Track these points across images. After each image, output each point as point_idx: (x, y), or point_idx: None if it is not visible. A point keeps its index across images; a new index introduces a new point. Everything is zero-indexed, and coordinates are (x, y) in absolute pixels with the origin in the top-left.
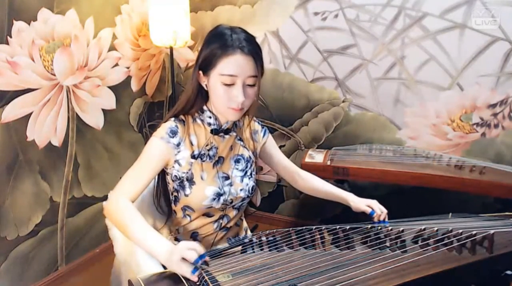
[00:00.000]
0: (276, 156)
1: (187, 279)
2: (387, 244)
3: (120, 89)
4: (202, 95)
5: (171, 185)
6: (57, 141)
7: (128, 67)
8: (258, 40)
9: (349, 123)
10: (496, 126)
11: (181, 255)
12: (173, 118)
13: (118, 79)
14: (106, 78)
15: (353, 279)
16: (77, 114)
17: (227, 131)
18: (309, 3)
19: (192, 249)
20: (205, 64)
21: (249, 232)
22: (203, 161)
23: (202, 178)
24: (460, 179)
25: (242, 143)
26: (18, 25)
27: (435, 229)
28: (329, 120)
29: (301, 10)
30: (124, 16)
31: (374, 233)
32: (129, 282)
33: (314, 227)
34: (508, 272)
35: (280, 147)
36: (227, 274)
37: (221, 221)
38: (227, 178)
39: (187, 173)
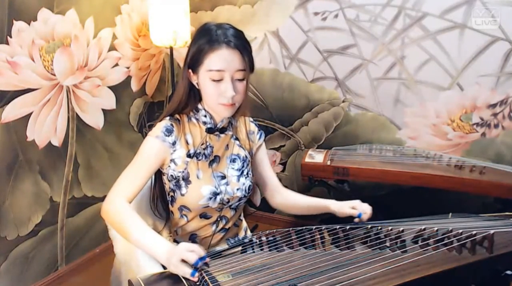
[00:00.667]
0: (263, 165)
1: (187, 279)
2: (387, 244)
3: (120, 89)
4: (195, 94)
5: (168, 185)
6: (57, 142)
7: (128, 67)
8: (258, 40)
9: (349, 123)
10: (496, 126)
11: (181, 257)
12: (168, 118)
13: (118, 79)
14: (106, 78)
15: (353, 279)
16: (77, 114)
17: (222, 130)
18: (309, 3)
19: (192, 251)
20: (193, 61)
21: (249, 232)
22: (199, 160)
23: (198, 177)
24: (460, 179)
25: (238, 143)
26: (18, 25)
27: (435, 229)
28: (329, 120)
29: (301, 10)
30: (124, 16)
31: (374, 233)
32: (129, 282)
33: (314, 227)
34: (508, 272)
35: (280, 147)
36: (227, 274)
37: (218, 222)
38: (223, 177)
39: (183, 172)
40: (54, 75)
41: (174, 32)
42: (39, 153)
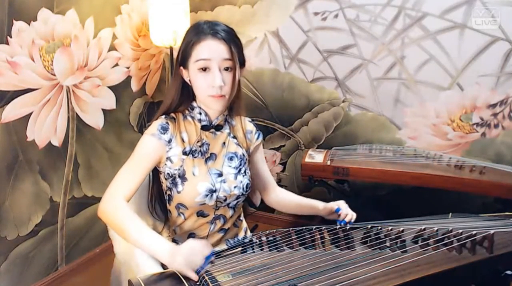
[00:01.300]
0: (260, 164)
1: (187, 279)
2: (387, 244)
3: (120, 89)
4: (188, 92)
5: (165, 184)
6: (57, 142)
7: (128, 67)
8: (258, 40)
9: (349, 123)
10: (496, 126)
11: (187, 260)
12: (163, 116)
13: (118, 79)
14: (106, 78)
15: (353, 279)
16: (77, 114)
17: (218, 128)
18: (309, 3)
19: (197, 253)
20: (183, 57)
21: (249, 232)
22: (195, 157)
23: (194, 174)
24: (460, 179)
25: (235, 141)
26: (18, 25)
27: (435, 229)
28: (329, 120)
29: (301, 10)
30: (124, 16)
31: (374, 233)
32: (129, 282)
33: (314, 227)
34: (508, 272)
35: (280, 147)
36: (227, 274)
37: (216, 222)
38: (220, 174)
39: (179, 169)
40: (54, 75)
41: (174, 32)
42: (39, 153)
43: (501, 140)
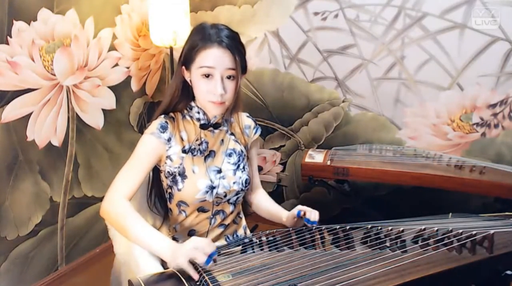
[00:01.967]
0: (251, 163)
1: (187, 279)
2: (387, 244)
3: (120, 89)
4: (189, 92)
5: (165, 182)
6: (57, 142)
7: (128, 67)
8: (258, 40)
9: (349, 123)
10: (496, 126)
11: (190, 257)
12: (162, 116)
13: (118, 79)
14: (106, 78)
15: (353, 279)
16: (77, 114)
17: (216, 126)
18: (309, 3)
19: (200, 251)
20: (186, 58)
21: (248, 231)
22: (194, 155)
23: (193, 172)
24: (460, 179)
25: (233, 137)
26: (18, 25)
27: (435, 229)
28: (329, 120)
29: (301, 10)
30: (124, 16)
31: (374, 233)
32: (129, 282)
33: (314, 227)
34: (508, 272)
35: (280, 147)
36: (227, 274)
37: (217, 216)
38: (219, 171)
39: (179, 167)
40: (54, 75)
41: (174, 32)
42: (39, 153)
43: (501, 141)
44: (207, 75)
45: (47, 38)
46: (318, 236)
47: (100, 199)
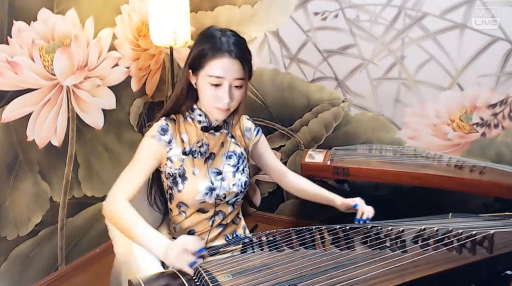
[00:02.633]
0: (265, 156)
1: (187, 279)
2: (387, 244)
3: (120, 89)
4: (192, 94)
5: (166, 183)
6: (57, 142)
7: (128, 67)
8: (258, 40)
9: (349, 123)
10: (496, 126)
11: (183, 246)
12: (164, 118)
13: (118, 79)
14: (106, 78)
15: (353, 279)
16: (77, 114)
17: (217, 129)
18: (309, 3)
19: (187, 248)
20: (195, 64)
21: (247, 231)
22: (195, 157)
23: (194, 174)
24: (460, 179)
25: (233, 140)
26: (18, 25)
27: (435, 229)
28: (329, 120)
29: (301, 10)
30: (124, 16)
31: (374, 233)
32: (129, 282)
33: (314, 227)
34: (508, 272)
35: (280, 147)
36: (227, 274)
37: (216, 217)
38: (219, 173)
39: (179, 169)
40: (54, 75)
41: (174, 32)
42: (39, 153)
43: (501, 141)
44: (216, 85)
45: (47, 38)
46: (318, 236)
47: (100, 199)
